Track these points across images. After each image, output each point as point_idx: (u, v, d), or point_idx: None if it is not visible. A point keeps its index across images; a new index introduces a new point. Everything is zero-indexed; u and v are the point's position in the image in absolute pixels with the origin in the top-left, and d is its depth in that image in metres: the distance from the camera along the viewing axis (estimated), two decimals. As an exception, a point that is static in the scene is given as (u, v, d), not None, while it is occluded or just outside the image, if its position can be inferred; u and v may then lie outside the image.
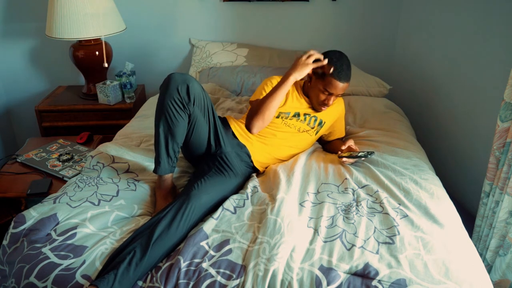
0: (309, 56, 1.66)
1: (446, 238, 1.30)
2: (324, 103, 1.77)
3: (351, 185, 1.56)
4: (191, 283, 1.17)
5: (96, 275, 1.21)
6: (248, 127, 1.68)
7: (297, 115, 1.81)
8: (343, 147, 1.73)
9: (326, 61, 1.67)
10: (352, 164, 1.71)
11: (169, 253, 1.28)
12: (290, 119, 1.80)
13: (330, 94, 1.74)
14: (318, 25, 2.79)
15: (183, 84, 1.47)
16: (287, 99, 1.82)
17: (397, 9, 2.74)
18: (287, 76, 1.66)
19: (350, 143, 1.74)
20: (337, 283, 1.15)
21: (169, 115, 1.48)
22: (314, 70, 1.73)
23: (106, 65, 2.42)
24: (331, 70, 1.67)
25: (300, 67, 1.65)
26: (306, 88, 1.85)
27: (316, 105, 1.81)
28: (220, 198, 1.49)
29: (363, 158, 1.68)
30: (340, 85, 1.70)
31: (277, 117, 1.79)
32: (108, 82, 2.53)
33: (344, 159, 1.67)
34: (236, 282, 1.16)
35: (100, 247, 1.27)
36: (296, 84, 1.89)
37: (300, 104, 1.84)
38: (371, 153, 1.67)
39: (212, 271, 1.19)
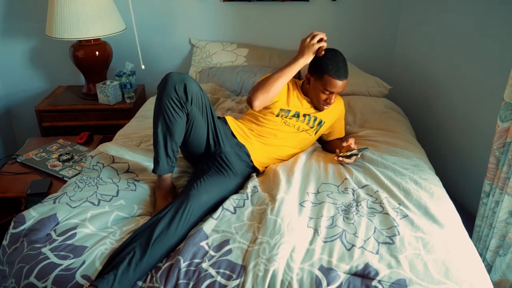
0: (313, 37, 1.67)
1: (446, 238, 1.30)
2: (327, 102, 1.79)
3: (351, 185, 1.56)
4: (191, 283, 1.17)
5: (96, 275, 1.21)
6: (251, 99, 1.64)
7: (297, 115, 1.81)
8: (344, 144, 1.74)
9: (325, 45, 1.68)
10: (350, 163, 1.71)
11: (169, 253, 1.28)
12: (290, 118, 1.80)
13: (331, 93, 1.75)
14: (318, 25, 2.78)
15: (181, 83, 1.47)
16: (289, 97, 1.82)
17: (397, 9, 2.74)
18: (296, 59, 1.68)
19: (351, 141, 1.74)
20: (337, 283, 1.15)
21: (167, 114, 1.48)
22: (311, 71, 1.76)
23: (143, 66, 2.44)
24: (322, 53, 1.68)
25: (306, 50, 1.67)
26: (305, 89, 1.86)
27: (319, 105, 1.82)
28: (220, 198, 1.49)
29: (359, 155, 1.68)
30: (339, 83, 1.71)
31: (277, 115, 1.79)
32: (108, 82, 2.53)
33: (340, 158, 1.68)
34: (236, 282, 1.16)
35: (100, 247, 1.27)
36: (295, 84, 1.90)
37: (300, 104, 1.84)
38: (364, 149, 1.68)
39: (212, 271, 1.19)
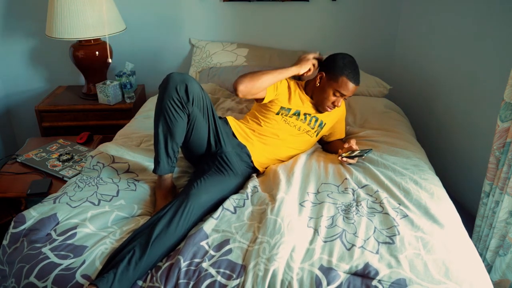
0: (313, 55, 1.81)
1: (446, 238, 1.30)
2: (334, 104, 1.80)
3: (351, 185, 1.56)
4: (191, 283, 1.17)
5: (96, 274, 1.21)
6: (237, 83, 1.64)
7: (297, 113, 1.81)
8: (346, 145, 1.74)
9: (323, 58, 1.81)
10: (352, 164, 1.71)
11: (169, 252, 1.28)
12: (290, 116, 1.80)
13: (341, 95, 1.76)
14: (318, 25, 2.79)
15: (182, 83, 1.47)
16: (290, 96, 1.83)
17: (397, 9, 2.74)
18: (290, 66, 1.77)
19: (352, 143, 1.74)
20: (337, 283, 1.15)
21: (168, 115, 1.48)
22: (325, 71, 1.78)
23: (110, 60, 2.41)
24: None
25: (303, 62, 1.77)
26: (310, 89, 1.86)
27: (324, 107, 1.82)
28: (220, 197, 1.49)
29: (363, 157, 1.68)
30: (353, 87, 1.75)
31: (277, 113, 1.79)
32: (108, 82, 2.53)
33: (344, 158, 1.68)
34: (236, 282, 1.16)
35: (100, 247, 1.27)
36: (298, 83, 1.90)
37: (301, 103, 1.84)
38: (368, 150, 1.68)
39: (212, 271, 1.19)
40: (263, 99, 1.76)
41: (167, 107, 1.47)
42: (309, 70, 1.79)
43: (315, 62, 1.80)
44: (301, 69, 1.76)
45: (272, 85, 1.75)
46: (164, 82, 1.49)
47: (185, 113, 1.51)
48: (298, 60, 1.79)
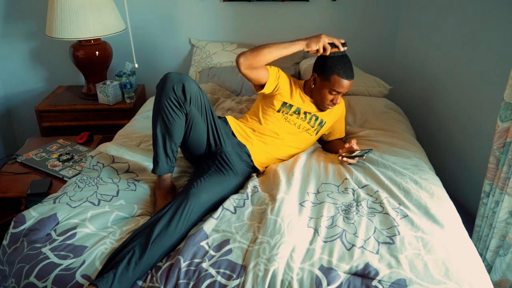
0: (331, 39, 1.68)
1: (446, 238, 1.30)
2: (333, 102, 1.79)
3: (351, 185, 1.56)
4: (191, 283, 1.17)
5: (96, 275, 1.21)
6: (239, 56, 1.61)
7: (298, 111, 1.81)
8: (346, 145, 1.74)
9: (343, 49, 1.70)
10: (352, 164, 1.71)
11: (169, 252, 1.28)
12: (290, 114, 1.80)
13: (338, 93, 1.76)
14: (318, 25, 2.79)
15: (179, 83, 1.47)
16: (292, 92, 1.82)
17: (397, 9, 2.75)
18: (297, 40, 1.66)
19: (353, 143, 1.74)
20: (337, 283, 1.15)
21: (166, 114, 1.48)
22: (317, 71, 1.77)
23: (136, 65, 2.45)
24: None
25: (315, 40, 1.65)
26: (308, 89, 1.86)
27: (324, 106, 1.82)
28: (220, 197, 1.49)
29: (364, 157, 1.68)
30: (347, 83, 1.73)
31: (278, 111, 1.79)
32: (108, 82, 2.53)
33: (344, 158, 1.68)
34: (236, 282, 1.16)
35: (100, 247, 1.27)
36: (297, 83, 1.90)
37: (302, 101, 1.84)
38: (369, 151, 1.68)
39: (212, 271, 1.19)
40: (263, 86, 1.71)
41: (165, 107, 1.47)
42: (317, 51, 1.66)
43: (328, 46, 1.66)
44: (307, 47, 1.64)
45: (274, 72, 1.73)
46: (161, 82, 1.49)
47: (183, 112, 1.50)
48: (312, 37, 1.66)
